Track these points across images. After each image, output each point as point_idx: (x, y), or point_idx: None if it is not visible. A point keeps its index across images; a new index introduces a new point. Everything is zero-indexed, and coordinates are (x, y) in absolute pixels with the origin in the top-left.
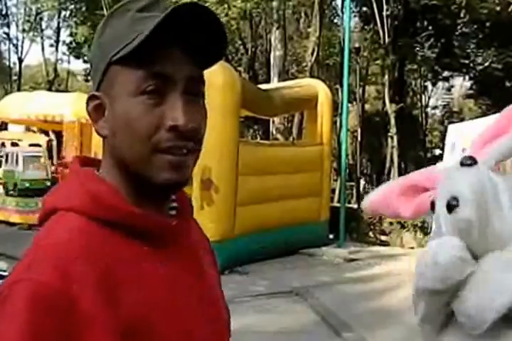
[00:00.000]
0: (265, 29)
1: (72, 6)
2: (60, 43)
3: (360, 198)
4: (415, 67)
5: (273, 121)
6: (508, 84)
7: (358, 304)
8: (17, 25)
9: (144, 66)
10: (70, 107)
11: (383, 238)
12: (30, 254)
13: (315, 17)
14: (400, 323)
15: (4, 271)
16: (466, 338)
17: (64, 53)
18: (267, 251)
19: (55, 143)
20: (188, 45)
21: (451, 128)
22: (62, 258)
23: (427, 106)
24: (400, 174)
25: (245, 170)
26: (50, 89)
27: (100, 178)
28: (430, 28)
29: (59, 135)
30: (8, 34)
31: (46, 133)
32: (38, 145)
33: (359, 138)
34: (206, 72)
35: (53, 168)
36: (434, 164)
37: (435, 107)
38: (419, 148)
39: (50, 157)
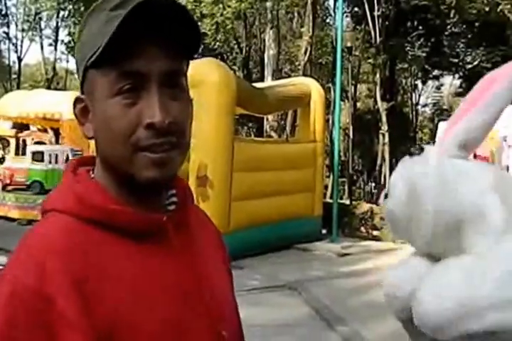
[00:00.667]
0: (259, 29)
1: (71, 6)
2: (59, 42)
3: (352, 194)
4: (406, 66)
5: (267, 119)
6: None
7: (351, 298)
8: (16, 25)
9: (116, 66)
10: (68, 105)
11: (375, 233)
12: (16, 253)
13: (308, 17)
14: (392, 316)
15: (3, 265)
16: None
17: (62, 52)
18: (262, 245)
19: (53, 139)
20: (160, 39)
21: (441, 125)
22: (42, 258)
23: (417, 104)
24: (391, 170)
25: (240, 167)
26: (48, 88)
27: (90, 178)
28: (420, 27)
29: (57, 132)
30: (7, 33)
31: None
32: (43, 142)
33: (351, 136)
34: (202, 72)
35: None
36: None
37: (425, 105)
38: (410, 145)
39: None
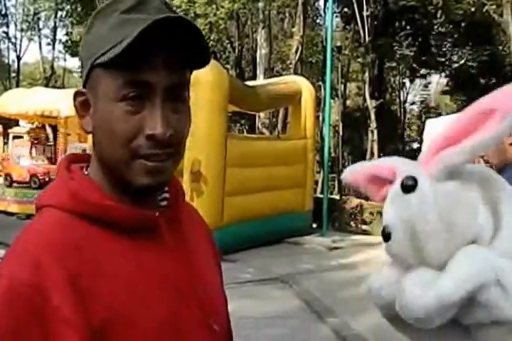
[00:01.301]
0: (251, 29)
1: (68, 7)
2: (57, 42)
3: (341, 189)
4: (394, 64)
5: (259, 116)
6: (482, 80)
7: (341, 290)
8: (16, 25)
9: (125, 73)
10: (66, 103)
11: (364, 227)
12: (12, 248)
13: (299, 17)
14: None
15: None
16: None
17: (60, 51)
18: (254, 239)
19: (51, 136)
20: (171, 52)
21: (428, 122)
22: (37, 254)
23: (405, 101)
24: None
25: (233, 163)
26: (47, 86)
27: (84, 175)
28: (408, 27)
29: (55, 129)
30: (7, 33)
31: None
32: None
33: (341, 133)
34: (196, 71)
35: None
36: (412, 157)
37: (413, 103)
38: (398, 142)
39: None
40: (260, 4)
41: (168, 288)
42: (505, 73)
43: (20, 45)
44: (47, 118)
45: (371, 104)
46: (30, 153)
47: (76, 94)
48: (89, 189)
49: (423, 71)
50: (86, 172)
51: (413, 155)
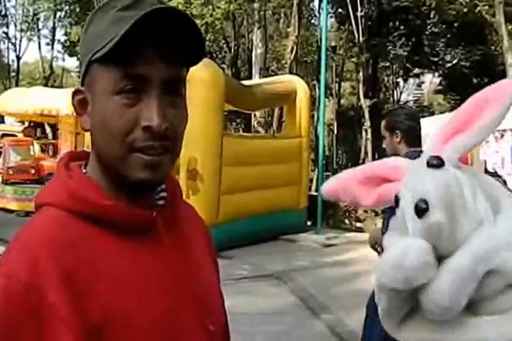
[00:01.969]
0: (247, 29)
1: (67, 7)
2: (56, 42)
3: None
4: (388, 64)
5: (254, 115)
6: (475, 80)
7: (335, 287)
8: (15, 25)
9: (121, 66)
10: (65, 102)
11: (358, 225)
12: (11, 247)
13: (294, 17)
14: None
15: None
16: (427, 331)
17: (59, 51)
18: (250, 236)
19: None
20: (166, 46)
21: (422, 121)
22: (35, 253)
23: (398, 101)
24: None
25: (229, 161)
26: (46, 85)
27: (82, 173)
28: (402, 27)
29: (54, 128)
30: (7, 33)
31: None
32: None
33: (335, 131)
34: (192, 69)
35: None
36: None
37: (406, 102)
38: None
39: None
40: (256, 5)
41: (165, 287)
42: (497, 73)
43: (20, 45)
44: (46, 117)
45: (365, 103)
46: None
47: (74, 93)
48: (87, 188)
49: (416, 70)
50: (85, 171)
51: None
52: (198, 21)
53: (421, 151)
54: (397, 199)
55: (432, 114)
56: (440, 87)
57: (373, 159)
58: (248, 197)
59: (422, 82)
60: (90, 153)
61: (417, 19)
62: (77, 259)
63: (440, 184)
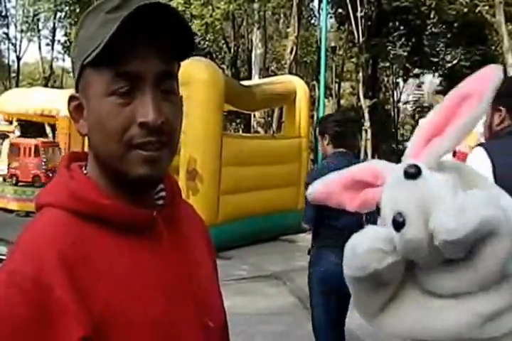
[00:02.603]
0: (247, 29)
1: (67, 8)
2: (56, 42)
3: None
4: (388, 64)
5: (254, 115)
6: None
7: None
8: (16, 26)
9: (113, 67)
10: (65, 102)
11: None
12: (15, 248)
13: (293, 18)
14: None
15: (3, 255)
16: (407, 315)
17: (59, 52)
18: (249, 237)
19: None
20: (155, 42)
21: (422, 122)
22: (39, 252)
23: (398, 101)
24: None
25: (228, 161)
26: (46, 85)
27: (82, 173)
28: (402, 28)
29: (54, 128)
30: (7, 34)
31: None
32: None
33: None
34: (192, 70)
35: None
36: None
37: (406, 102)
38: (392, 141)
39: None
40: (255, 5)
41: (165, 287)
42: None
43: (20, 46)
44: (46, 117)
45: (365, 103)
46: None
47: (70, 99)
48: (88, 188)
49: (416, 71)
50: (85, 172)
51: None
52: (197, 22)
53: (343, 151)
54: (378, 208)
55: None
56: (440, 88)
57: (373, 159)
58: (248, 198)
59: (422, 83)
60: (89, 156)
61: (417, 19)
62: (79, 258)
63: (415, 198)
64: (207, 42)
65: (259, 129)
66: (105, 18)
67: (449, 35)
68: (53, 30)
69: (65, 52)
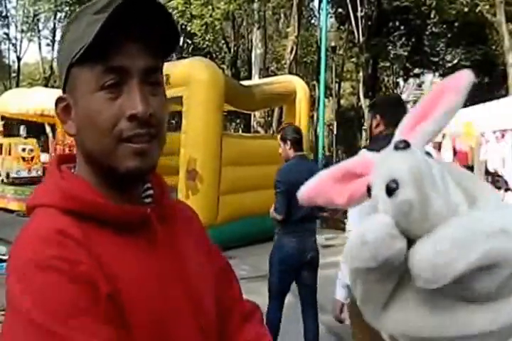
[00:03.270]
0: (247, 29)
1: (67, 8)
2: (56, 43)
3: None
4: (388, 64)
5: (254, 115)
6: (475, 80)
7: (333, 287)
8: (16, 26)
9: (100, 63)
10: None
11: None
12: (13, 246)
13: (293, 18)
14: None
15: (3, 254)
16: (413, 312)
17: None
18: (249, 237)
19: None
20: (141, 37)
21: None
22: (46, 234)
23: None
24: None
25: (228, 161)
26: (46, 86)
27: (72, 174)
28: (402, 27)
29: (54, 127)
30: (7, 34)
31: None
32: None
33: (335, 131)
34: (192, 70)
35: None
36: None
37: (407, 102)
38: None
39: None
40: (255, 5)
41: (159, 285)
42: (498, 73)
43: (21, 46)
44: (46, 117)
45: (365, 103)
46: None
47: (57, 101)
48: (81, 187)
49: (416, 70)
50: (74, 172)
51: None
52: (197, 22)
53: (303, 154)
54: (369, 190)
55: None
56: None
57: None
58: (247, 198)
59: (423, 82)
60: (77, 156)
61: (417, 19)
62: (79, 254)
63: (408, 161)
64: (207, 43)
65: (259, 129)
66: (92, 19)
67: (449, 35)
68: (53, 31)
69: None
